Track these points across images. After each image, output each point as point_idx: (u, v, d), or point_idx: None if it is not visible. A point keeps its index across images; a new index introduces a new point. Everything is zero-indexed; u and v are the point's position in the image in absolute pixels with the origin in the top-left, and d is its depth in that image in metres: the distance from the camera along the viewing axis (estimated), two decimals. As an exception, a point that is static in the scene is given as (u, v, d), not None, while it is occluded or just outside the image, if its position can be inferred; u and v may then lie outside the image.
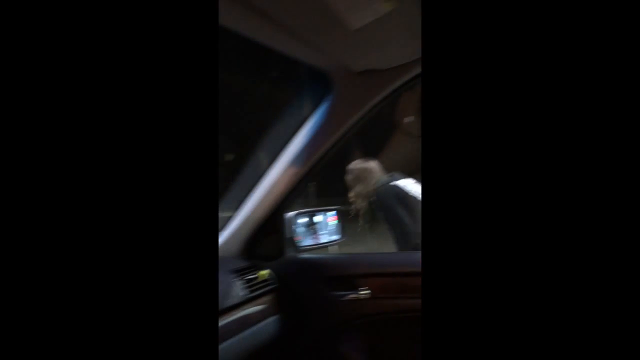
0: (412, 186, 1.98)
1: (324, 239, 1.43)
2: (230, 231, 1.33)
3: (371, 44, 0.87)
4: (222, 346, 0.97)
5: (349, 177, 2.09)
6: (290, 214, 1.37)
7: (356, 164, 2.10)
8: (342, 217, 1.51)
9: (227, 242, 1.35)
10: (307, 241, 1.39)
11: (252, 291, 1.16)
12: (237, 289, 1.13)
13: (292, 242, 1.37)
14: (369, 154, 2.20)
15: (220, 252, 1.36)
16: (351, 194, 2.08)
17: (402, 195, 1.98)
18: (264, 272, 1.27)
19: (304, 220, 1.40)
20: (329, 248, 1.48)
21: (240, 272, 1.20)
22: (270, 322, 1.18)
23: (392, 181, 2.01)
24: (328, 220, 1.47)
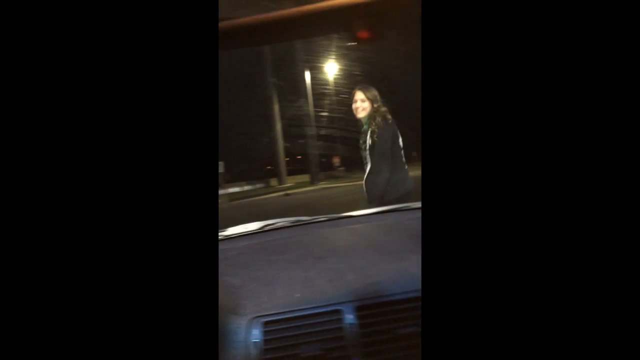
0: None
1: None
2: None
3: None
4: None
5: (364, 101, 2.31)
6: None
7: (368, 89, 2.35)
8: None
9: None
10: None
11: None
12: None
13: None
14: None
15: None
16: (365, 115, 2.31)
17: (396, 138, 2.31)
18: None
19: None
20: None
21: None
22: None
23: (391, 121, 2.32)
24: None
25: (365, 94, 2.33)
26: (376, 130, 2.28)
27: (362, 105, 2.32)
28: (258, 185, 17.10)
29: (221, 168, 14.01)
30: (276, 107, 16.22)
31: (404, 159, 2.36)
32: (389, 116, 2.32)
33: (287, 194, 11.99)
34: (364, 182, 2.35)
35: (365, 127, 2.35)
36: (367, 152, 2.34)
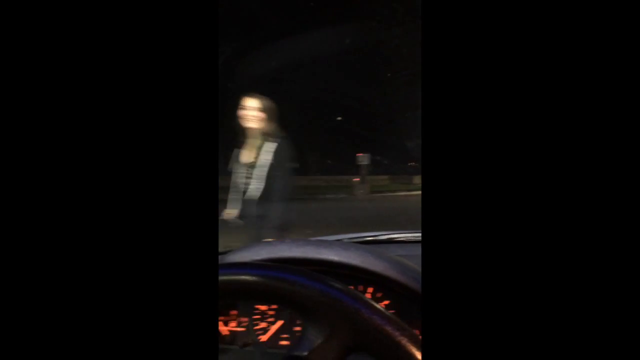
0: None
1: None
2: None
3: None
4: None
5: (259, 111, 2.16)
6: None
7: (264, 99, 2.20)
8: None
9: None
10: None
11: None
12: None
13: None
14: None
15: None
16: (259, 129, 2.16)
17: (291, 157, 2.24)
18: None
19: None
20: None
21: None
22: None
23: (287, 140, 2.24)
24: None
25: (260, 103, 2.17)
26: (277, 149, 2.15)
27: (255, 114, 2.15)
28: (399, 181, 17.08)
29: (366, 160, 14.42)
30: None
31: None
32: (283, 134, 2.22)
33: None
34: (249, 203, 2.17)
35: (260, 142, 2.18)
36: (256, 169, 2.17)
